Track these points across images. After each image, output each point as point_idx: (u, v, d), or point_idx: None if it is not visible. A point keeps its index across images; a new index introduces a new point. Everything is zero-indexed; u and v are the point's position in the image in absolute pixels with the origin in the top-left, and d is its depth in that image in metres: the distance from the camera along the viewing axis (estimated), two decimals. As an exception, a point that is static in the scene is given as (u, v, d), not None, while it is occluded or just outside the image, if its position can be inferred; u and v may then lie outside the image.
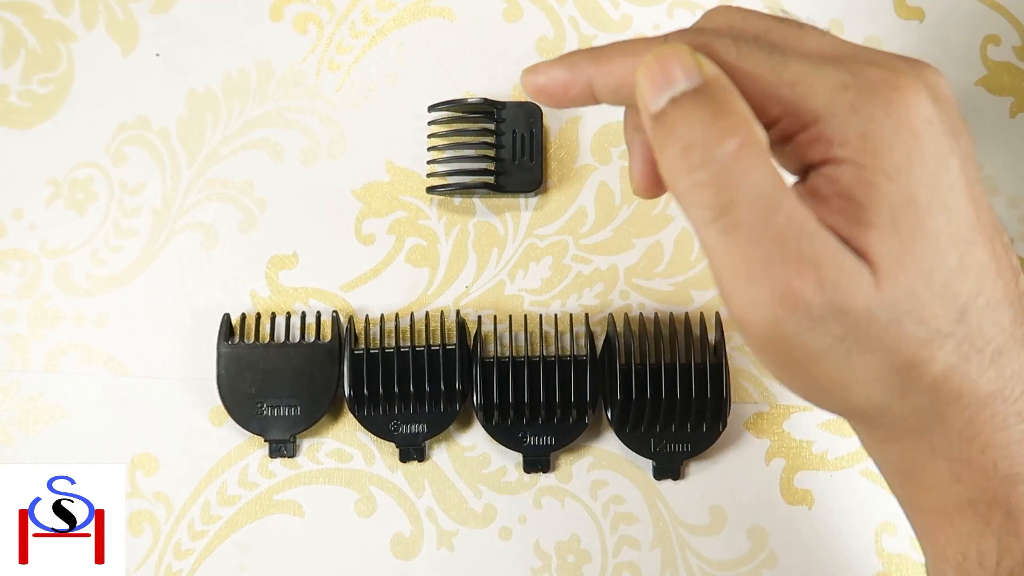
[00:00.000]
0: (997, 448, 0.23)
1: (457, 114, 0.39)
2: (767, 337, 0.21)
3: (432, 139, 0.39)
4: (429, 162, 0.39)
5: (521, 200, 0.40)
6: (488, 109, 0.39)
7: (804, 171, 0.22)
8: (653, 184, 0.26)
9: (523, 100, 0.40)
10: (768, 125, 0.21)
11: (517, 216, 0.40)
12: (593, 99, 0.24)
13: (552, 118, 0.40)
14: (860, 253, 0.21)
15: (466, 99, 0.39)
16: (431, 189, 0.39)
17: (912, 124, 0.21)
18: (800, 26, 0.23)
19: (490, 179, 0.39)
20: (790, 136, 0.22)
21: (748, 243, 0.20)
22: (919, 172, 0.21)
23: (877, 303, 0.20)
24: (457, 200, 0.40)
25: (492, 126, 0.39)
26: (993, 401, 0.22)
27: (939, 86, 0.22)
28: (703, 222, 0.20)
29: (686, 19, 0.41)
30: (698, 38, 0.22)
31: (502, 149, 0.39)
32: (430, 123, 0.39)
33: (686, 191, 0.20)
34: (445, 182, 0.39)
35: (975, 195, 0.22)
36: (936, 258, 0.21)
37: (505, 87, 0.40)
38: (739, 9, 0.24)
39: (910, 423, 0.23)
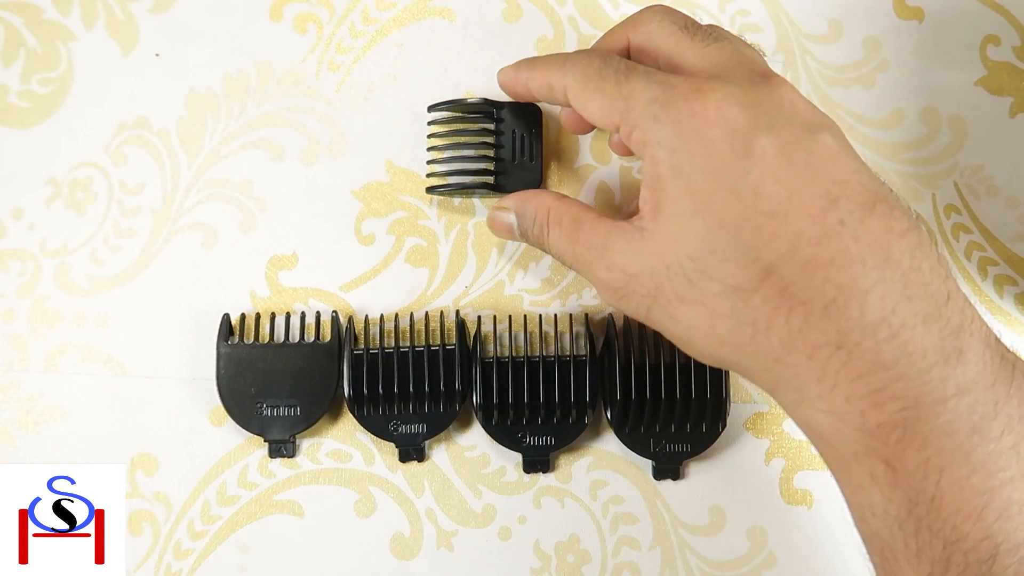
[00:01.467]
0: (860, 397, 0.24)
1: (457, 114, 0.39)
2: (619, 310, 0.31)
3: (432, 139, 0.39)
4: (429, 162, 0.39)
5: (521, 200, 0.40)
6: (488, 109, 0.39)
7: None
8: (576, 127, 0.37)
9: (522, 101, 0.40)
10: (614, 128, 0.29)
11: (517, 216, 0.40)
12: (531, 96, 0.34)
13: (553, 118, 0.40)
14: (647, 230, 0.28)
15: (466, 99, 0.39)
16: (431, 189, 0.39)
17: (698, 128, 0.26)
18: (693, 36, 0.29)
19: (490, 179, 0.39)
20: (628, 136, 0.28)
21: (578, 268, 0.31)
22: (702, 166, 0.26)
23: (659, 264, 0.27)
24: (457, 200, 0.40)
25: (492, 126, 0.39)
26: (837, 350, 0.24)
27: (762, 92, 0.26)
28: (569, 269, 0.34)
29: (686, 19, 0.41)
30: (586, 60, 0.30)
31: (502, 149, 0.39)
32: (430, 123, 0.39)
33: (557, 260, 0.34)
34: (445, 182, 0.39)
35: (797, 176, 0.25)
36: (721, 231, 0.26)
37: (505, 87, 0.40)
38: (664, 11, 0.31)
39: (769, 376, 0.27)
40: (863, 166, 0.26)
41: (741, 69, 0.27)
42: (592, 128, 0.37)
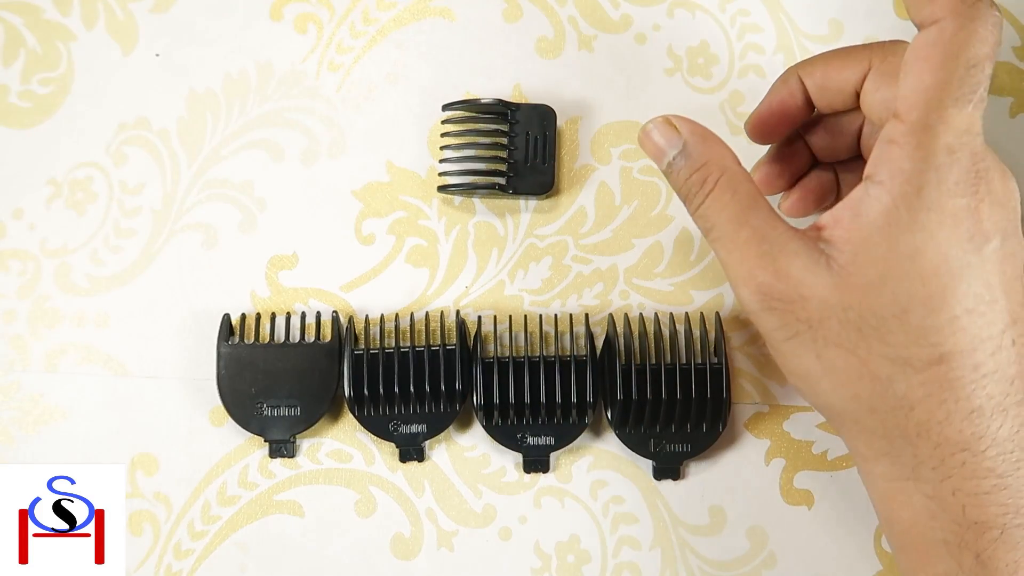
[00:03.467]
0: (967, 495, 0.25)
1: (471, 114, 0.39)
2: (754, 317, 0.28)
3: (445, 138, 0.39)
4: (442, 161, 0.39)
5: (521, 201, 0.40)
6: (502, 110, 0.39)
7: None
8: (760, 132, 0.34)
9: (537, 102, 0.39)
10: (888, 117, 0.26)
11: (517, 216, 0.40)
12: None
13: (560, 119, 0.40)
14: (837, 262, 0.26)
15: (480, 99, 0.39)
16: (443, 188, 0.39)
17: (964, 204, 0.25)
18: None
19: (501, 180, 0.38)
20: (895, 139, 0.25)
21: (728, 250, 0.28)
22: (937, 238, 0.25)
23: (837, 301, 0.26)
24: (457, 200, 0.40)
25: (506, 127, 0.39)
26: (963, 451, 0.25)
27: (1002, 184, 0.26)
28: (704, 235, 0.29)
29: (686, 19, 0.41)
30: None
31: (515, 151, 0.39)
32: (443, 122, 0.39)
33: (693, 219, 0.29)
34: (456, 182, 0.38)
35: (1002, 288, 0.25)
36: (921, 306, 0.25)
37: (505, 87, 0.40)
38: (995, 32, 0.25)
39: (883, 444, 0.27)
40: None
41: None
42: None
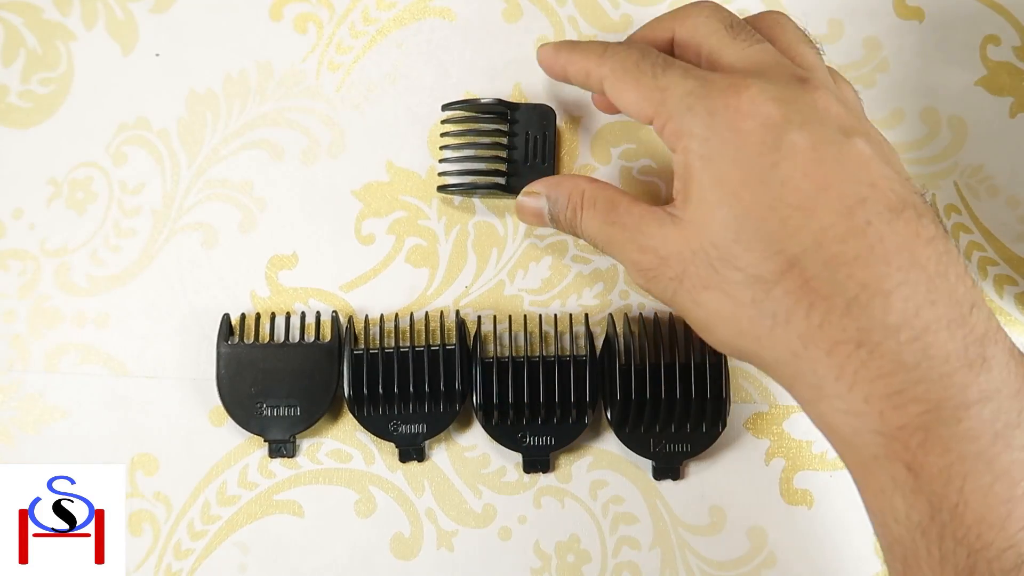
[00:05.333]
0: (879, 399, 0.23)
1: (470, 114, 0.39)
2: (648, 292, 0.30)
3: (445, 138, 0.39)
4: (441, 161, 0.39)
5: (521, 200, 0.40)
6: (502, 110, 0.39)
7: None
8: (606, 109, 0.38)
9: (537, 102, 0.39)
10: (647, 120, 0.29)
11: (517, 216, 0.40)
12: (566, 79, 0.34)
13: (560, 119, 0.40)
14: (677, 217, 0.28)
15: (479, 99, 0.39)
16: (442, 188, 0.39)
17: (731, 120, 0.26)
18: (736, 36, 0.30)
19: (501, 180, 0.38)
20: (662, 129, 0.29)
21: (614, 249, 0.31)
22: (732, 156, 0.26)
23: (687, 249, 0.27)
24: (457, 200, 0.40)
25: (505, 127, 0.39)
26: (858, 349, 0.24)
27: (797, 92, 0.27)
28: (602, 252, 0.33)
29: (686, 19, 0.41)
30: (625, 52, 0.31)
31: (515, 150, 0.39)
32: (443, 122, 0.39)
33: (590, 243, 0.33)
34: (456, 182, 0.38)
35: (826, 173, 0.25)
36: (746, 221, 0.26)
37: (505, 87, 0.40)
38: (712, 8, 0.31)
39: (789, 370, 0.26)
40: (895, 173, 0.26)
41: (779, 70, 0.28)
42: (619, 111, 0.37)
